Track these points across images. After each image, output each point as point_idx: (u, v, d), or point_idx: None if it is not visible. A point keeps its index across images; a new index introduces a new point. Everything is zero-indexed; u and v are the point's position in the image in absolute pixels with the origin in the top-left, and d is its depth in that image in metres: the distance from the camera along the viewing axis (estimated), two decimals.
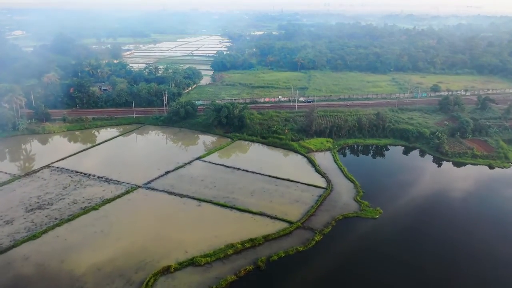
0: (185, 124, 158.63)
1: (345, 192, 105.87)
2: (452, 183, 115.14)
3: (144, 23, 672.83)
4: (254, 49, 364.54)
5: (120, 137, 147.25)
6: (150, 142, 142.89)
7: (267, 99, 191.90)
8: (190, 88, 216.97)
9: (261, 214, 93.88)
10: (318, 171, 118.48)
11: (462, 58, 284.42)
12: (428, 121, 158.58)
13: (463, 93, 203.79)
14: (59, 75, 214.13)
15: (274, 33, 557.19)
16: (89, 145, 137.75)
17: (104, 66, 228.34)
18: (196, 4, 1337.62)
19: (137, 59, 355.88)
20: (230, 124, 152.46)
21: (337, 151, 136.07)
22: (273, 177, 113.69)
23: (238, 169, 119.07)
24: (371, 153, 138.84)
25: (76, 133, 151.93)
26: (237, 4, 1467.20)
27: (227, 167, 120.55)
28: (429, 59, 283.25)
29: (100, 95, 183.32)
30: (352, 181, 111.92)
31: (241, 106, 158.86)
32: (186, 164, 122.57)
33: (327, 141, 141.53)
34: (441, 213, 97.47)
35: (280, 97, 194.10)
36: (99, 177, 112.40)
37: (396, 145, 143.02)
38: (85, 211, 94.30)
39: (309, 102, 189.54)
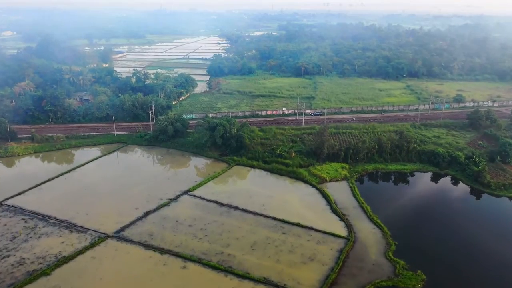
0: (174, 144, 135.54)
1: (372, 245, 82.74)
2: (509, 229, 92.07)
3: (140, 24, 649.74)
4: (254, 51, 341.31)
5: (96, 161, 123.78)
6: (130, 169, 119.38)
7: (269, 112, 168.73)
8: (183, 97, 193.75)
9: (265, 282, 70.72)
10: (334, 210, 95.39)
11: (481, 63, 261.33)
12: (459, 141, 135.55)
13: (490, 104, 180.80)
14: (36, 83, 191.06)
15: (274, 33, 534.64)
16: (56, 173, 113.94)
17: (87, 73, 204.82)
18: (194, 3, 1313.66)
19: (129, 62, 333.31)
20: (227, 144, 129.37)
21: (355, 180, 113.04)
22: (280, 220, 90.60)
23: (236, 208, 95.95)
24: (396, 183, 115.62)
25: (44, 156, 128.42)
26: (236, 4, 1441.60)
27: (222, 205, 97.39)
28: (444, 63, 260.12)
29: (78, 107, 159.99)
30: (379, 226, 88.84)
31: (239, 123, 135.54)
32: (171, 200, 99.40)
33: (342, 167, 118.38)
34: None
35: (284, 109, 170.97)
36: (60, 221, 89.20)
37: (424, 172, 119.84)
38: (32, 277, 71.15)
39: (317, 115, 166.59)
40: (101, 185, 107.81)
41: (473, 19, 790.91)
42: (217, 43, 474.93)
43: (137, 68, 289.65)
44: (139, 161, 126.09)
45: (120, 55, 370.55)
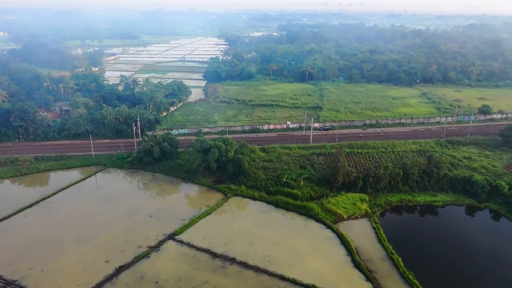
0: (161, 168, 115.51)
1: None
2: None
3: (137, 24, 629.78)
4: (253, 53, 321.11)
5: (66, 191, 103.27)
6: (106, 202, 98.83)
7: (271, 126, 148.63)
8: (175, 107, 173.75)
9: None
10: (357, 264, 75.36)
11: (499, 67, 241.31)
12: (495, 164, 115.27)
13: None
14: (11, 92, 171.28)
15: (274, 34, 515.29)
16: (15, 208, 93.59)
17: (69, 80, 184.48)
18: (193, 3, 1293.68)
19: (121, 65, 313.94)
20: (223, 169, 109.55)
21: (378, 216, 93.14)
22: (289, 280, 70.69)
23: (233, 260, 75.99)
24: (429, 221, 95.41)
25: (6, 184, 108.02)
26: (235, 4, 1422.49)
27: (216, 256, 77.39)
28: (460, 67, 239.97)
29: (53, 121, 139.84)
30: None
31: (238, 144, 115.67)
32: (152, 249, 79.42)
33: (361, 199, 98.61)
34: None
35: (288, 123, 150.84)
36: (7, 283, 69.37)
37: (460, 205, 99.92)
38: None
39: (327, 129, 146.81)
40: (67, 225, 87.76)
41: (475, 18, 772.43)
42: (215, 44, 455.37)
43: (129, 72, 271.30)
44: (118, 190, 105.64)
45: (112, 57, 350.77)
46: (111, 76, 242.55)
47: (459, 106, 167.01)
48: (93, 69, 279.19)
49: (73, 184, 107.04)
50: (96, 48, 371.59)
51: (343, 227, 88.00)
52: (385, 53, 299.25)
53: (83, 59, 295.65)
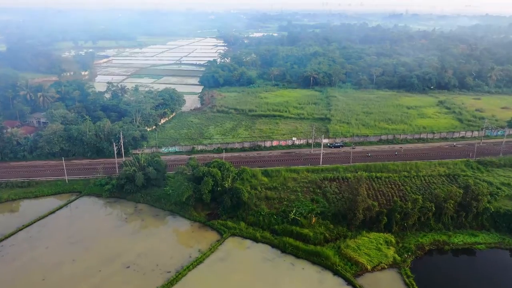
0: (146, 197, 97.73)
1: None
2: None
3: (134, 24, 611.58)
4: (253, 55, 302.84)
5: (27, 229, 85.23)
6: (74, 245, 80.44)
7: (275, 143, 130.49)
8: (167, 118, 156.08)
9: None
10: None
11: None
12: None
13: None
14: None
15: (274, 34, 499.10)
16: None
17: (49, 88, 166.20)
18: (192, 3, 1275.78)
19: (114, 68, 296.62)
20: (218, 200, 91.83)
21: (410, 266, 75.19)
22: None
23: None
24: (471, 270, 77.50)
25: None
26: (235, 4, 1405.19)
27: None
28: (476, 72, 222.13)
29: (24, 139, 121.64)
30: None
31: (236, 169, 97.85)
32: None
33: (386, 241, 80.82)
34: None
35: (294, 139, 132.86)
36: None
37: (506, 249, 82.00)
38: None
39: (338, 147, 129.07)
40: (22, 283, 69.79)
41: (478, 19, 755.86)
42: (214, 45, 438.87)
43: (121, 76, 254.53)
44: (91, 228, 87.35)
45: (105, 60, 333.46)
46: (101, 81, 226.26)
47: (483, 118, 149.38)
48: (83, 73, 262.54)
49: (39, 220, 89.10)
50: (90, 50, 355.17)
51: (367, 282, 70.20)
52: (393, 56, 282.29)
53: (72, 63, 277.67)
